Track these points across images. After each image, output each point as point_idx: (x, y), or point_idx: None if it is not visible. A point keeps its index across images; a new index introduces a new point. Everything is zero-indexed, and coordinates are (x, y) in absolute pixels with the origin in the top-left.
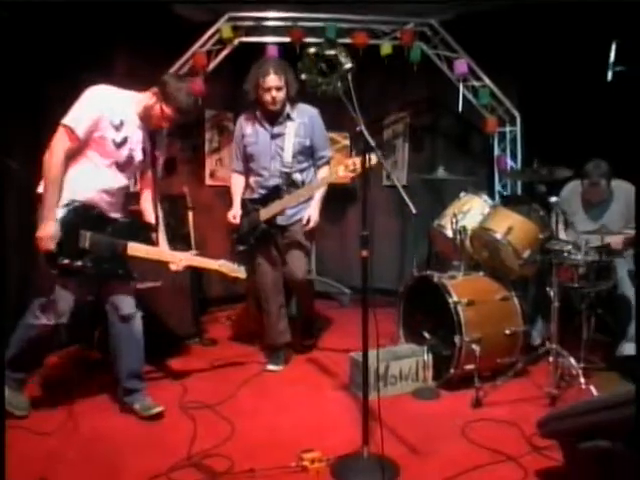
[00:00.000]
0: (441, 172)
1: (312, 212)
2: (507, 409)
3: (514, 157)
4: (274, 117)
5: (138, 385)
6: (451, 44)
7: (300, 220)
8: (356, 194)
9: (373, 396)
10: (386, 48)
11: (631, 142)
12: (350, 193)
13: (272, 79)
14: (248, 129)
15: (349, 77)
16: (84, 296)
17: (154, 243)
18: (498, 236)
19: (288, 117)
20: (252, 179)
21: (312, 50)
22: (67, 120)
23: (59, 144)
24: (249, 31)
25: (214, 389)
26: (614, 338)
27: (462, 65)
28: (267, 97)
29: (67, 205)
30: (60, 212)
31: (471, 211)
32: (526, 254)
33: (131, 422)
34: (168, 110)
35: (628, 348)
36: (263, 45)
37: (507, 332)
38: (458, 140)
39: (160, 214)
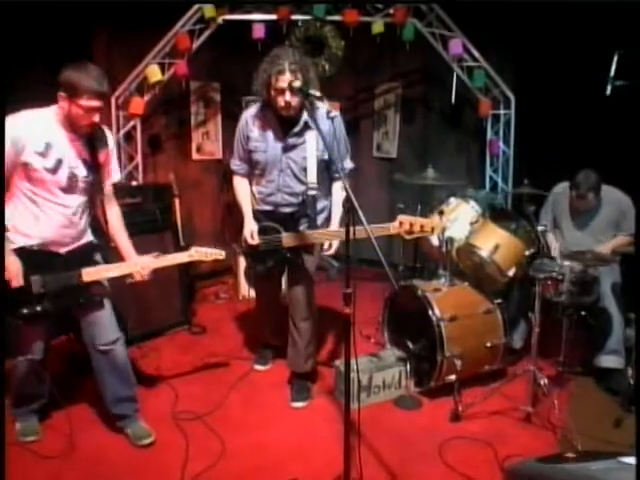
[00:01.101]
0: (430, 172)
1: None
2: (484, 424)
3: (507, 141)
4: (289, 124)
5: (128, 409)
6: (446, 22)
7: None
8: None
9: (356, 405)
10: (378, 26)
11: (626, 144)
12: None
13: (287, 79)
14: (255, 131)
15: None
16: (55, 332)
17: (118, 256)
18: (484, 254)
19: (306, 125)
20: (255, 188)
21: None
22: None
23: None
24: (233, 8)
25: (204, 394)
26: (594, 344)
27: (457, 45)
28: (280, 100)
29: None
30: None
31: (458, 220)
32: (511, 272)
33: (126, 439)
34: (84, 102)
35: (605, 361)
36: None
37: (488, 345)
38: (451, 114)
39: (118, 222)
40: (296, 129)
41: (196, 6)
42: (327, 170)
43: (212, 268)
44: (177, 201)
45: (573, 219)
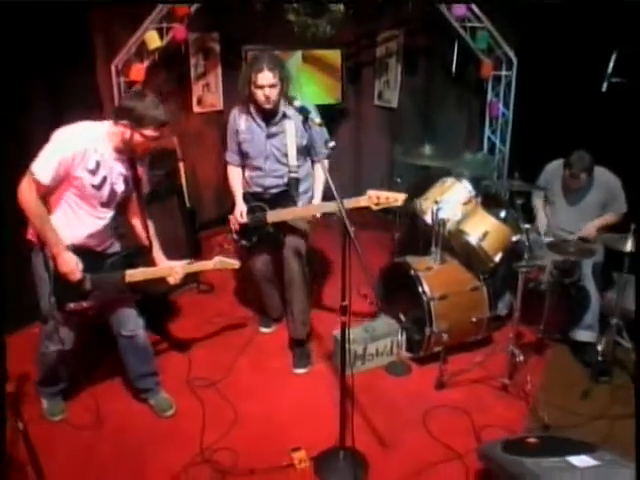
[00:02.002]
0: (427, 149)
1: None
2: (465, 392)
3: (506, 103)
4: (269, 115)
5: (150, 383)
6: None
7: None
8: (347, 112)
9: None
10: None
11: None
12: (341, 111)
13: (266, 76)
14: (242, 125)
15: None
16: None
17: (152, 262)
18: (472, 241)
19: (284, 116)
20: (247, 174)
21: None
22: (34, 166)
23: (28, 193)
24: None
25: (215, 358)
26: (571, 317)
27: (461, 7)
28: (260, 95)
29: None
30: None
31: (451, 200)
32: (497, 257)
33: (147, 409)
34: (149, 132)
35: (580, 335)
36: None
37: (473, 320)
38: (453, 70)
39: (151, 229)
40: (275, 119)
41: None
42: (308, 154)
43: (217, 215)
44: (182, 165)
45: (565, 195)
